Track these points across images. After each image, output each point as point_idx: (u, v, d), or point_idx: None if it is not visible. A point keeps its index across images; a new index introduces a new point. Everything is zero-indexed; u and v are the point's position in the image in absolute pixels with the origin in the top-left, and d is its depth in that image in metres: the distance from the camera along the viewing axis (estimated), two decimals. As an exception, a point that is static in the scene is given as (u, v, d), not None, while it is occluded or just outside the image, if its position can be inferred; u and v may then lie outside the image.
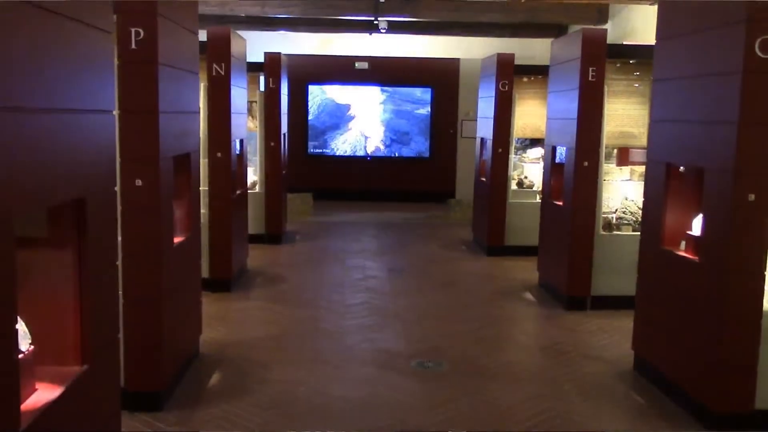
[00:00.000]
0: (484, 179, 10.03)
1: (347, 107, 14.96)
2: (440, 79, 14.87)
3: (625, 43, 9.39)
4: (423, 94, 14.91)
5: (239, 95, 7.78)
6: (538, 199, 9.15)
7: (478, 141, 10.53)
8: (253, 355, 5.59)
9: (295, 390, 4.92)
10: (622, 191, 7.54)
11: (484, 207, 9.82)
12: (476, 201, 10.67)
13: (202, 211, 6.55)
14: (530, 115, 9.81)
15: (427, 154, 15.07)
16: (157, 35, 4.31)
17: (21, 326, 2.36)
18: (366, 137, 15.00)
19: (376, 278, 8.37)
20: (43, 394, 2.44)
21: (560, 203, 7.38)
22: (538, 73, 9.51)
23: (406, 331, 6.37)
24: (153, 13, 4.30)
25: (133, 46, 4.28)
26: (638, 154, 7.56)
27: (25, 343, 2.41)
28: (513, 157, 9.67)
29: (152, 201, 4.38)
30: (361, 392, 4.95)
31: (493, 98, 9.44)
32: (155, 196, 4.38)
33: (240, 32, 8.10)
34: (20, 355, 2.30)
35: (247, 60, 8.43)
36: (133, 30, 4.27)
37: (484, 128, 10.00)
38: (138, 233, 4.34)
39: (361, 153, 15.04)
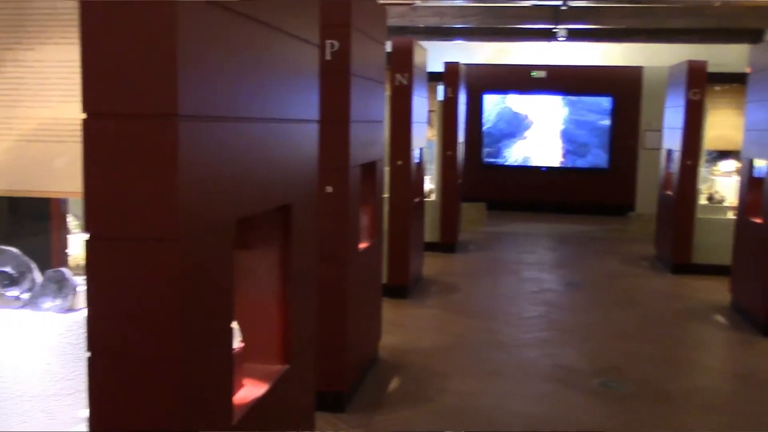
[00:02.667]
0: (669, 192, 9.53)
1: (524, 116, 14.75)
2: (621, 87, 14.31)
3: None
4: (607, 103, 14.43)
5: (420, 104, 7.87)
6: (730, 216, 8.57)
7: (663, 152, 10.02)
8: (430, 364, 5.62)
9: (473, 402, 4.89)
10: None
11: (670, 222, 9.33)
12: (660, 215, 10.16)
13: (382, 218, 6.68)
14: (722, 125, 9.25)
15: (604, 165, 14.56)
16: (350, 47, 4.45)
17: (233, 324, 2.48)
18: (542, 147, 14.72)
19: (553, 292, 8.17)
20: (250, 390, 2.56)
21: (759, 221, 6.85)
22: (733, 81, 8.97)
23: (587, 348, 6.16)
24: (348, 25, 4.44)
25: (328, 57, 4.44)
26: None
27: (236, 341, 2.53)
28: (702, 170, 9.12)
29: (341, 207, 4.52)
30: (541, 408, 4.83)
31: (683, 108, 8.94)
32: (344, 202, 4.52)
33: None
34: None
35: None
36: (328, 42, 4.43)
37: (672, 139, 9.50)
38: (327, 238, 4.48)
39: (536, 163, 14.77)
